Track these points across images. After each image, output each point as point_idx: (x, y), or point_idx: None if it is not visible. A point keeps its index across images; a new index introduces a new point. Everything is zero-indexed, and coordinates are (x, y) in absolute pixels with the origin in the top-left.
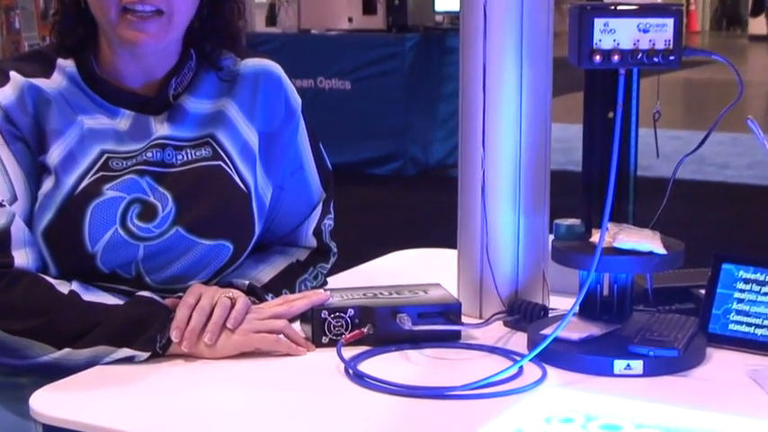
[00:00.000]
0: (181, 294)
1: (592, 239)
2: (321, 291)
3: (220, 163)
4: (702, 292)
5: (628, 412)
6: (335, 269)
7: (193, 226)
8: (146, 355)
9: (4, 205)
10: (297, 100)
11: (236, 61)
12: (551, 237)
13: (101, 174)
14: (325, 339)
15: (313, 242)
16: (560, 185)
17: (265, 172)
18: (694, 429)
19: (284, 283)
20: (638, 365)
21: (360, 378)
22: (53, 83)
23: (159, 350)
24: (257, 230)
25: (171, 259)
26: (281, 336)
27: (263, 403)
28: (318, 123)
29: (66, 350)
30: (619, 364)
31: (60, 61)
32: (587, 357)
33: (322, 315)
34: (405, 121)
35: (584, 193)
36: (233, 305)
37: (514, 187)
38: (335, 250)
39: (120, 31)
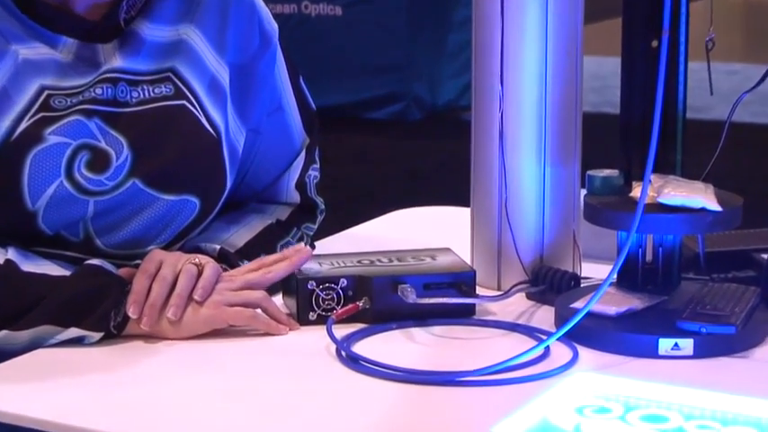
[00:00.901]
0: (138, 262)
1: (632, 194)
2: (303, 246)
3: (184, 102)
4: (765, 256)
5: (675, 400)
6: (324, 232)
7: (153, 178)
8: (98, 335)
9: None
10: (273, 26)
11: None
12: (583, 191)
13: (41, 115)
14: (312, 315)
15: (296, 197)
16: (594, 130)
17: (238, 113)
18: (754, 420)
19: (262, 248)
20: (687, 345)
21: (354, 361)
22: None
23: (114, 330)
24: (229, 183)
25: (126, 217)
26: (259, 311)
27: (239, 392)
28: (303, 58)
29: (4, 332)
30: (664, 344)
31: None
32: (627, 336)
33: (309, 286)
34: (407, 55)
35: (622, 138)
36: (200, 273)
37: (539, 132)
38: (323, 207)
39: None
